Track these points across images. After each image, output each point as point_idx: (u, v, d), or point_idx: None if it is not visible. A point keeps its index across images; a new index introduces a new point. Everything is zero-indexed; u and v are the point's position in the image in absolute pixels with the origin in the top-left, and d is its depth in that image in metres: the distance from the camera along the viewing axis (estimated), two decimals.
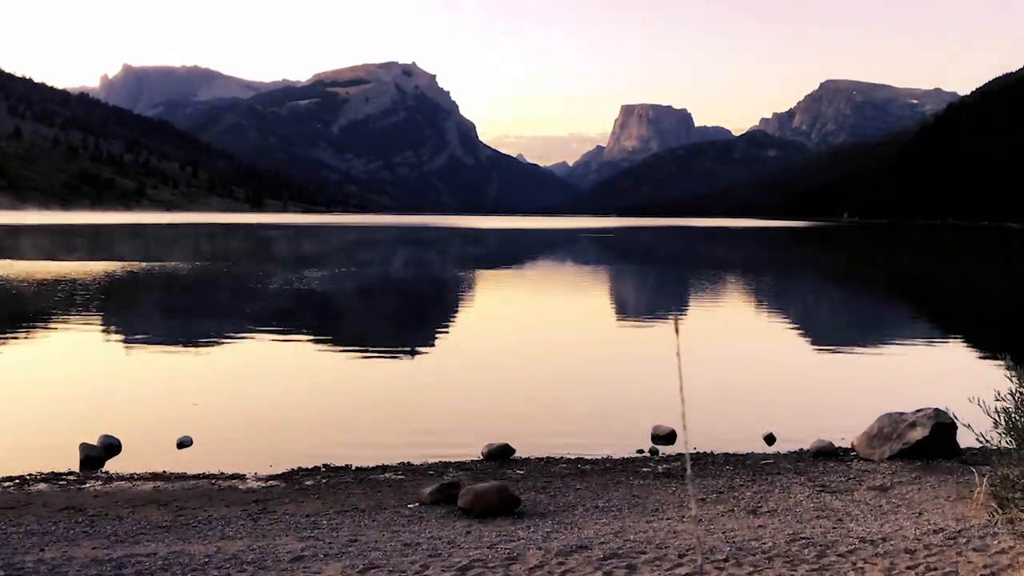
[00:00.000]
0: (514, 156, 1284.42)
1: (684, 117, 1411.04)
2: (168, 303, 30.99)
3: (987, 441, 5.47)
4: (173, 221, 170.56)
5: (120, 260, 50.91)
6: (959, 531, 6.94)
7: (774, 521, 7.79)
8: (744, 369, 18.14)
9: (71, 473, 10.22)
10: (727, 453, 11.26)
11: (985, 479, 6.94)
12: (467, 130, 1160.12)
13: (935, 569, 5.86)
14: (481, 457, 11.07)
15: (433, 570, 6.22)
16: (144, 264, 48.10)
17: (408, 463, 10.77)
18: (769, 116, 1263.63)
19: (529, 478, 10.04)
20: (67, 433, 11.61)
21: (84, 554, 6.85)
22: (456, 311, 29.67)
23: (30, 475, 10.05)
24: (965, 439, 10.18)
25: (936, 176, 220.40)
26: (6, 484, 9.68)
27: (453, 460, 10.93)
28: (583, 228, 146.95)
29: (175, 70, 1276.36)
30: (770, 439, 12.05)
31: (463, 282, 41.00)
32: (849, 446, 11.43)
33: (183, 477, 10.09)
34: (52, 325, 22.90)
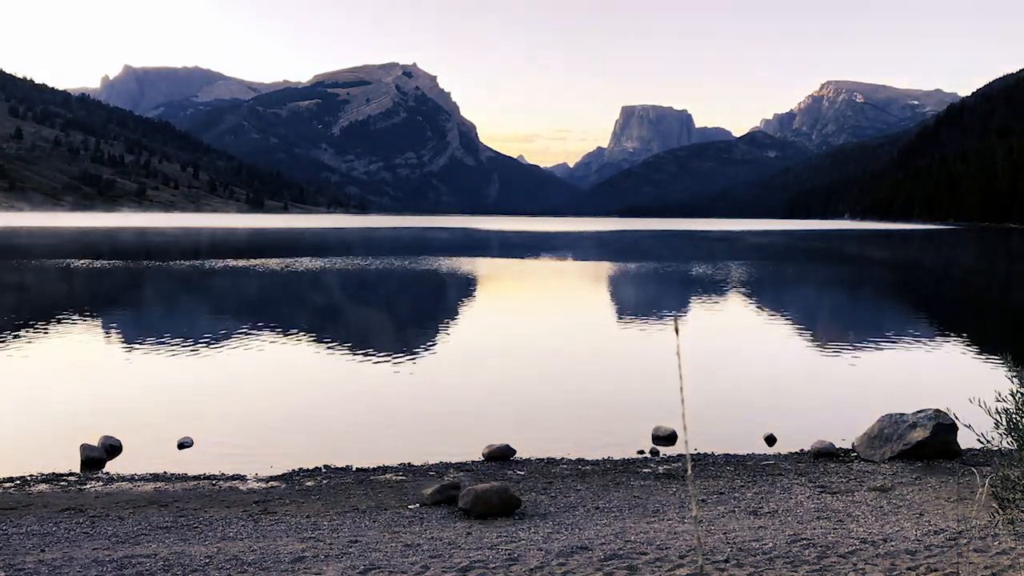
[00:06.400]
0: (515, 157, 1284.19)
1: (685, 118, 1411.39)
2: (169, 304, 30.99)
3: (988, 442, 5.46)
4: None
5: None
6: (960, 532, 6.94)
7: (775, 522, 7.79)
8: (745, 370, 18.14)
9: (72, 474, 10.23)
10: (728, 454, 11.26)
11: (986, 480, 6.93)
12: (468, 131, 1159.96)
13: (936, 570, 5.86)
14: (482, 458, 11.07)
15: (434, 571, 6.22)
16: None
17: (409, 464, 10.77)
18: (770, 117, 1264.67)
19: (530, 479, 10.04)
20: (68, 434, 11.63)
21: (85, 555, 6.85)
22: (457, 313, 29.66)
23: (31, 476, 10.06)
24: (966, 440, 10.20)
25: (936, 177, 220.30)
26: (7, 485, 9.69)
27: (454, 461, 10.93)
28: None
29: (176, 71, 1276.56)
30: (771, 440, 12.05)
31: (464, 284, 41.00)
32: (850, 447, 11.44)
33: (184, 478, 10.09)
34: (53, 325, 22.90)
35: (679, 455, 11.31)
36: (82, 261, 50.55)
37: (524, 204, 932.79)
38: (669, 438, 12.01)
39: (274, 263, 53.11)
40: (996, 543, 6.40)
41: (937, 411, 10.96)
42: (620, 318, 28.19)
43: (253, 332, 22.38)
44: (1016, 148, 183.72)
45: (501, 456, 11.05)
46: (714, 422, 12.84)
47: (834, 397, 15.55)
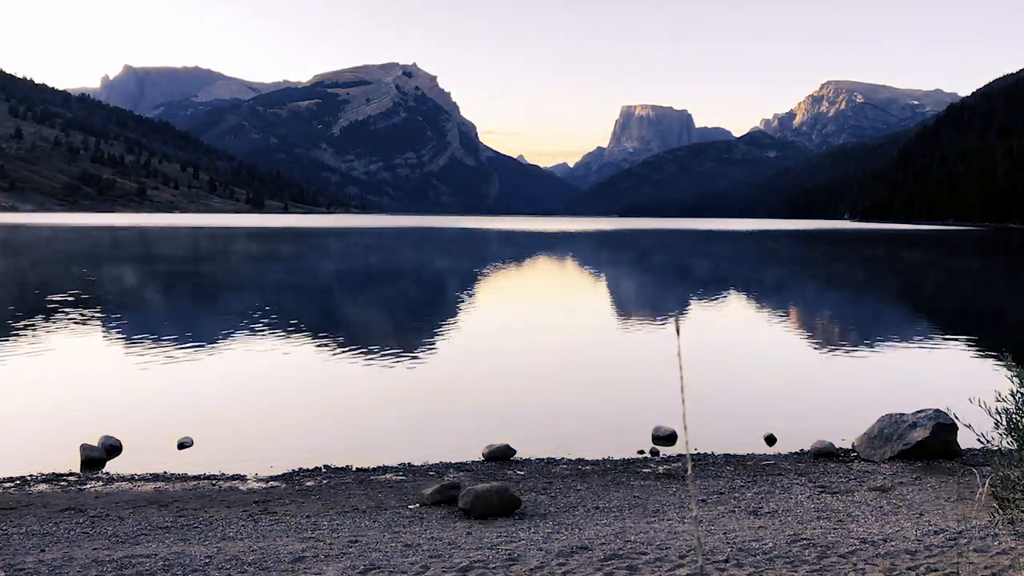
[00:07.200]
0: (515, 157, 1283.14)
1: (685, 118, 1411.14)
2: (169, 303, 30.99)
3: (988, 442, 5.46)
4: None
5: None
6: (960, 532, 6.94)
7: (775, 522, 7.79)
8: (745, 370, 18.14)
9: (72, 474, 10.23)
10: (728, 454, 11.26)
11: (986, 480, 6.93)
12: (468, 131, 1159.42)
13: (936, 570, 5.86)
14: (482, 458, 11.07)
15: (434, 571, 6.22)
16: None
17: (409, 464, 10.77)
18: (770, 117, 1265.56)
19: (530, 479, 10.04)
20: (68, 434, 11.62)
21: (85, 555, 6.85)
22: (457, 312, 29.66)
23: (31, 476, 10.06)
24: (966, 440, 10.20)
25: (936, 177, 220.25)
26: (7, 485, 9.69)
27: (454, 461, 10.93)
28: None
29: (176, 71, 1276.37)
30: (771, 440, 12.05)
31: (464, 283, 41.01)
32: (850, 447, 11.44)
33: (184, 478, 10.09)
34: (52, 325, 22.89)
35: (679, 455, 11.31)
36: (82, 260, 50.56)
37: (524, 204, 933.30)
38: (669, 438, 12.01)
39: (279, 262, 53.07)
40: (996, 543, 6.40)
41: (937, 411, 10.95)
42: (620, 318, 28.19)
43: (253, 332, 22.37)
44: (1016, 148, 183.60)
45: (501, 456, 11.05)
46: (714, 422, 12.84)
47: (834, 397, 15.55)
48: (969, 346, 21.78)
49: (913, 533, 7.01)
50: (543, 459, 11.05)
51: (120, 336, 21.80)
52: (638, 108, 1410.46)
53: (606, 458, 11.10)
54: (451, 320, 27.29)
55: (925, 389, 15.62)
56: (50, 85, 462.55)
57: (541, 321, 26.78)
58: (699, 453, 11.29)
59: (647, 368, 18.35)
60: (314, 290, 36.83)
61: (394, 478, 10.14)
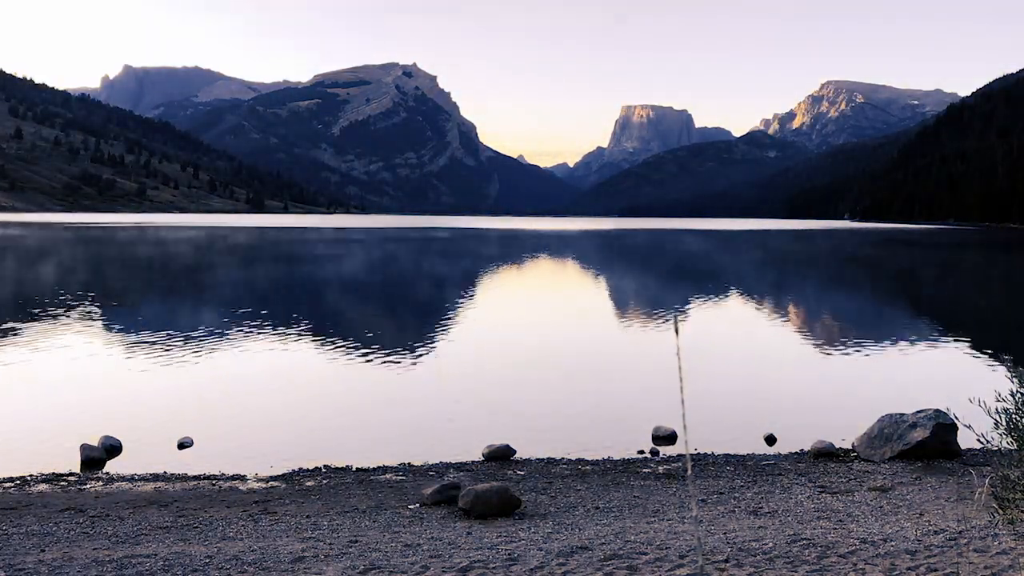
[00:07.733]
0: (515, 157, 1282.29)
1: (685, 118, 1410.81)
2: (169, 303, 30.99)
3: (988, 442, 5.45)
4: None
5: None
6: (960, 532, 6.93)
7: (775, 522, 7.79)
8: (744, 370, 18.14)
9: (72, 474, 10.23)
10: (728, 454, 11.26)
11: (986, 480, 6.93)
12: (468, 131, 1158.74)
13: (936, 570, 5.86)
14: (482, 458, 11.07)
15: (433, 571, 6.22)
16: None
17: (409, 464, 10.78)
18: (770, 117, 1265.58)
19: (530, 479, 10.04)
20: (68, 434, 11.63)
21: (85, 555, 6.85)
22: (457, 312, 29.66)
23: (31, 476, 10.06)
24: (966, 440, 10.20)
25: (936, 177, 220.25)
26: (7, 485, 9.69)
27: (454, 461, 10.94)
28: None
29: (176, 71, 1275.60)
30: (771, 440, 12.05)
31: (463, 282, 41.00)
32: (850, 447, 11.44)
33: (184, 478, 10.09)
34: (52, 325, 22.90)
35: (679, 455, 11.31)
36: (82, 259, 50.53)
37: (524, 204, 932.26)
38: (669, 438, 12.01)
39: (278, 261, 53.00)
40: (996, 543, 6.40)
41: (937, 411, 10.96)
42: (620, 318, 28.19)
43: (253, 332, 22.36)
44: (1016, 148, 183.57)
45: (501, 456, 11.05)
46: (714, 422, 12.84)
47: (834, 397, 15.55)
48: (969, 346, 21.77)
49: (913, 533, 7.01)
50: (543, 459, 11.06)
51: (120, 336, 21.80)
52: (638, 108, 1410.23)
53: (606, 458, 11.11)
54: (451, 320, 27.29)
55: (925, 389, 15.61)
56: (50, 85, 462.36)
57: (541, 321, 26.78)
58: (699, 453, 11.29)
59: (647, 368, 18.35)
60: (314, 290, 36.84)
61: (394, 478, 10.14)
